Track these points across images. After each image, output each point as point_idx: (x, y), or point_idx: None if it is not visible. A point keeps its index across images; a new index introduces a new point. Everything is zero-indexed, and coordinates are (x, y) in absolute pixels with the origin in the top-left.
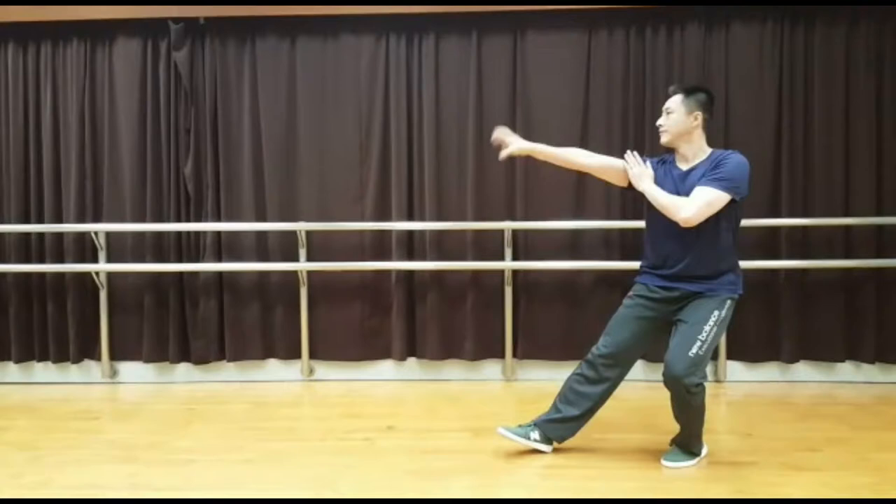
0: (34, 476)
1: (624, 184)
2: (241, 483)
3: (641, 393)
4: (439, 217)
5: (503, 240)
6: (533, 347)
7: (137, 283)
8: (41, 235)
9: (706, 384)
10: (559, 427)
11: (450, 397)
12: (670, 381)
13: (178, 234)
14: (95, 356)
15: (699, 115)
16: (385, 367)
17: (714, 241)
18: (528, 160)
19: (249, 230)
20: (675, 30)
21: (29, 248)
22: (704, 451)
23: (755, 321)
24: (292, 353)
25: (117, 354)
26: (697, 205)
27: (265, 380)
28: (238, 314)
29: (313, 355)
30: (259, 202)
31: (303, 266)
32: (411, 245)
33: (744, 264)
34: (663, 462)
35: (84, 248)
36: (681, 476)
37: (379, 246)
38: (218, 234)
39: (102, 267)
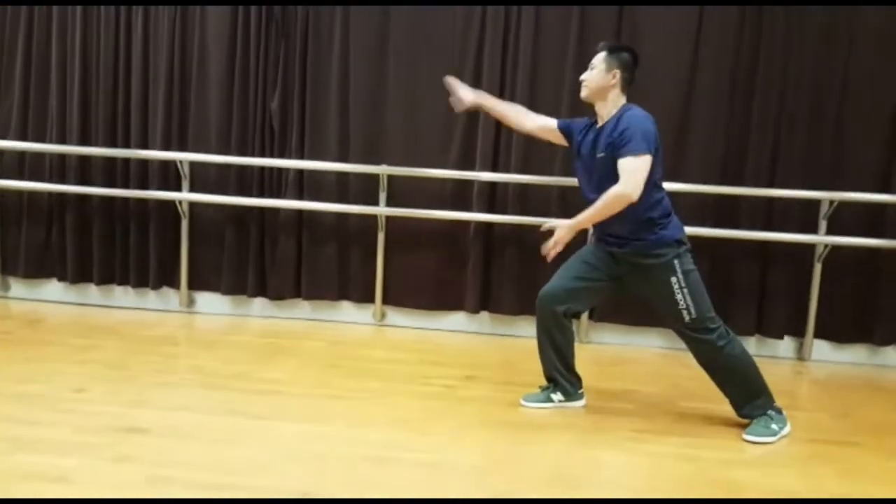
0: (131, 395)
1: (559, 142)
2: (332, 417)
3: None
4: (525, 170)
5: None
6: (610, 310)
7: (219, 215)
8: (126, 161)
9: (726, 341)
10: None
11: (525, 353)
12: (700, 351)
13: (262, 168)
14: (174, 284)
15: (618, 73)
16: (456, 319)
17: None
18: None
19: (332, 170)
20: (793, 10)
21: (114, 172)
22: (787, 429)
23: (847, 300)
24: (366, 297)
25: (195, 284)
26: (627, 182)
27: (338, 320)
28: (315, 254)
29: (386, 300)
30: (343, 142)
31: (382, 210)
32: (493, 197)
33: (844, 240)
34: (744, 437)
35: (168, 177)
36: (781, 452)
37: (460, 196)
38: (300, 171)
39: (185, 196)
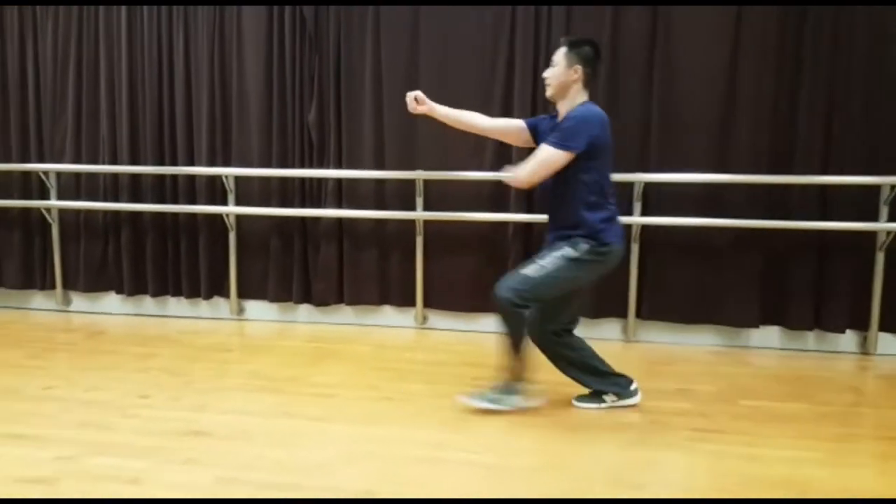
0: (191, 399)
1: (524, 144)
2: (384, 418)
3: (777, 361)
4: None
5: (632, 193)
6: (658, 308)
7: (263, 225)
8: (175, 178)
9: (527, 318)
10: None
11: None
12: (495, 295)
13: (302, 179)
14: (224, 293)
15: (579, 69)
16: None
17: (568, 193)
18: None
19: (369, 177)
20: (827, 11)
21: (164, 189)
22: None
23: None
24: (407, 301)
25: (244, 293)
26: (530, 166)
27: (381, 324)
28: (356, 259)
29: (427, 304)
30: (378, 150)
31: (420, 215)
32: (531, 197)
33: None
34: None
35: (214, 191)
36: (852, 450)
37: (497, 197)
38: (339, 180)
39: (231, 209)
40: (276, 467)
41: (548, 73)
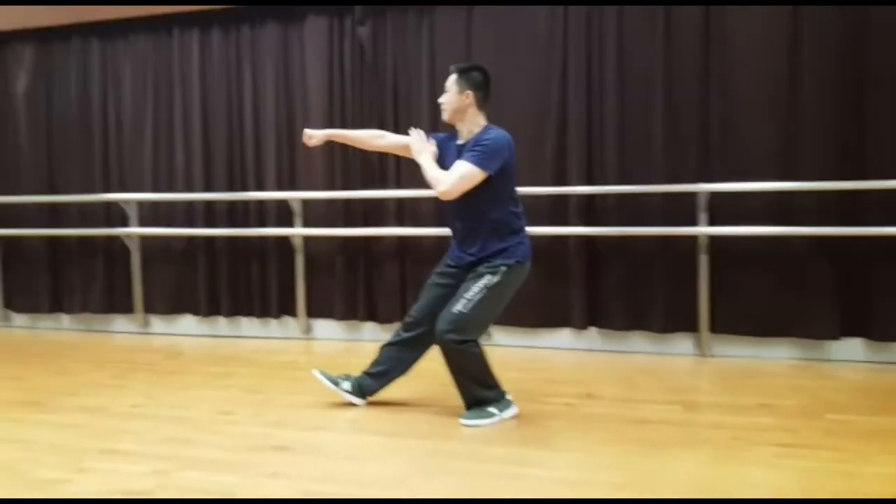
0: (270, 415)
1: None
2: (458, 434)
3: (862, 374)
4: (623, 181)
5: (695, 204)
6: (731, 321)
7: (329, 246)
8: (245, 203)
9: (477, 348)
10: (372, 383)
11: (642, 370)
12: (437, 337)
13: (365, 200)
14: (293, 313)
15: (470, 93)
16: (563, 336)
17: (481, 215)
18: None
19: (429, 197)
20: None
21: (235, 214)
22: (510, 412)
23: None
24: None
25: (312, 312)
26: (451, 179)
27: None
28: (419, 277)
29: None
30: None
31: None
32: (591, 210)
33: None
34: (460, 421)
35: (282, 215)
36: None
37: (556, 211)
38: (400, 200)
39: (299, 231)
40: (355, 481)
41: (442, 99)
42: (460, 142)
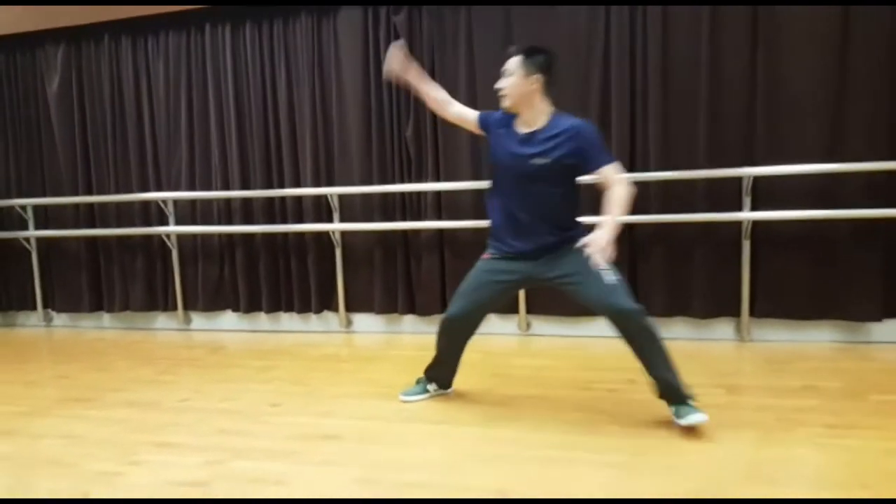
0: (317, 406)
1: (477, 132)
2: (506, 421)
3: None
4: (666, 166)
5: (740, 188)
6: (773, 306)
7: (367, 240)
8: (283, 199)
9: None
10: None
11: (683, 354)
12: (624, 319)
13: (402, 194)
14: (333, 307)
15: (539, 77)
16: (601, 324)
17: (568, 201)
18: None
19: (467, 189)
20: None
21: (273, 211)
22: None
23: None
24: (509, 308)
25: (351, 306)
26: (623, 181)
27: (485, 332)
28: (458, 270)
29: (529, 310)
30: (476, 162)
31: None
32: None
33: None
34: (677, 421)
35: (320, 210)
36: None
37: (596, 199)
38: (438, 193)
39: (337, 226)
40: (408, 467)
41: (503, 84)
42: (525, 130)
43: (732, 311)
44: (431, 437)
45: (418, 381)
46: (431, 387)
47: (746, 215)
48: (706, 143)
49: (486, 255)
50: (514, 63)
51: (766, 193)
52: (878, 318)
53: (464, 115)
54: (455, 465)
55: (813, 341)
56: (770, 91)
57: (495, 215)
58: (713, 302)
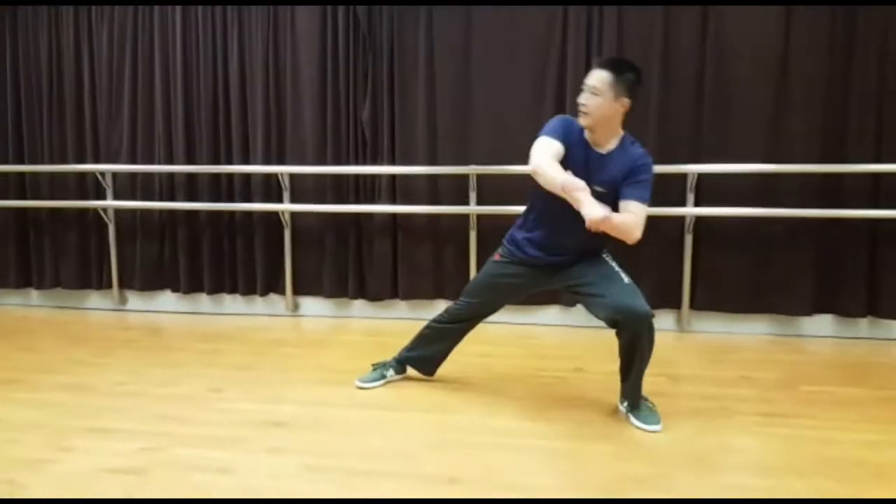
0: (264, 392)
1: None
2: (457, 407)
3: (832, 348)
4: None
5: (685, 184)
6: (712, 298)
7: (318, 222)
8: (230, 177)
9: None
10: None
11: None
12: (641, 322)
13: (356, 176)
14: (279, 290)
15: (627, 101)
16: (551, 313)
17: (599, 237)
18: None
19: (422, 173)
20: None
21: (219, 188)
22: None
23: None
24: (460, 294)
25: (299, 289)
26: (639, 225)
27: None
28: (410, 255)
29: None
30: (431, 146)
31: (473, 209)
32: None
33: None
34: (640, 426)
35: (270, 189)
36: None
37: None
38: (392, 176)
39: (287, 207)
40: (359, 455)
41: (587, 101)
42: (601, 150)
43: (674, 303)
44: (382, 423)
45: (375, 367)
46: (389, 373)
47: (689, 211)
48: (655, 141)
49: (496, 257)
50: (602, 80)
51: (709, 191)
52: (808, 313)
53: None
54: (406, 452)
55: (749, 333)
56: (716, 92)
57: (531, 224)
58: (656, 294)
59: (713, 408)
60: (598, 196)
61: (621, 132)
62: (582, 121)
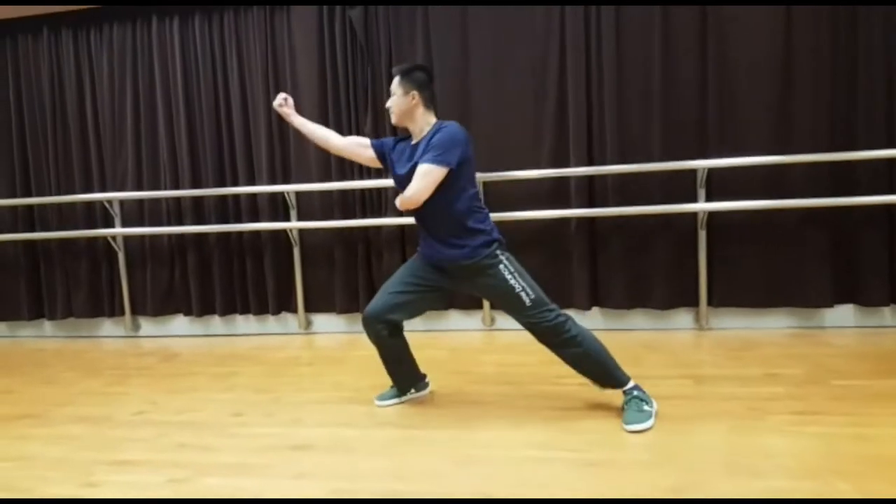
0: (284, 414)
1: (371, 164)
2: (481, 421)
3: (856, 339)
4: (622, 160)
5: (696, 180)
6: (729, 294)
7: (327, 238)
8: (237, 198)
9: (567, 320)
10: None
11: (646, 346)
12: (548, 334)
13: (362, 190)
14: (291, 308)
15: (416, 94)
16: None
17: (448, 211)
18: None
19: None
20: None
21: (226, 209)
22: (654, 405)
23: None
24: (473, 304)
25: (311, 306)
26: (415, 185)
27: (448, 329)
28: None
29: (494, 305)
30: None
31: None
32: (592, 190)
33: None
34: (627, 427)
35: (277, 208)
36: None
37: (557, 193)
38: (397, 189)
39: (295, 224)
40: (386, 476)
41: (389, 103)
42: (414, 142)
43: (691, 300)
44: (405, 442)
45: (393, 385)
46: (410, 392)
47: (701, 206)
48: (661, 138)
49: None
50: (394, 83)
51: (720, 185)
52: (829, 304)
53: (355, 142)
54: (435, 471)
55: (769, 328)
56: (720, 87)
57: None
58: (672, 292)
59: (743, 409)
60: (406, 179)
61: (432, 122)
62: (392, 120)
